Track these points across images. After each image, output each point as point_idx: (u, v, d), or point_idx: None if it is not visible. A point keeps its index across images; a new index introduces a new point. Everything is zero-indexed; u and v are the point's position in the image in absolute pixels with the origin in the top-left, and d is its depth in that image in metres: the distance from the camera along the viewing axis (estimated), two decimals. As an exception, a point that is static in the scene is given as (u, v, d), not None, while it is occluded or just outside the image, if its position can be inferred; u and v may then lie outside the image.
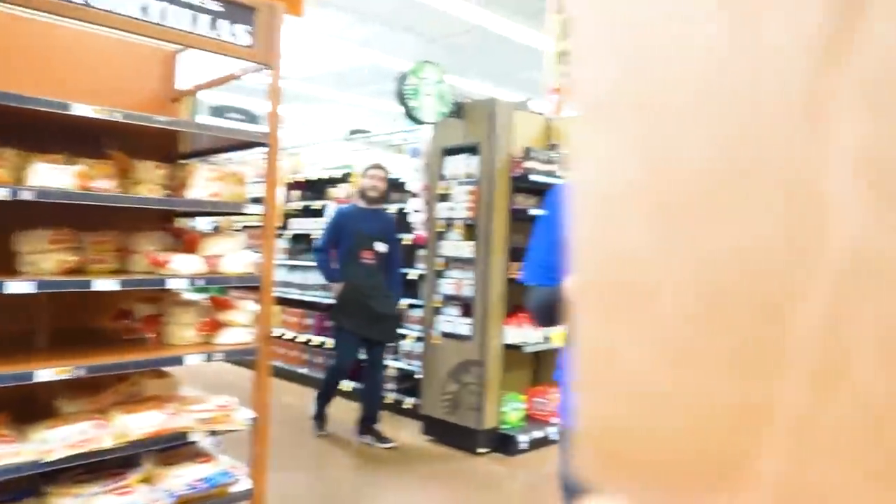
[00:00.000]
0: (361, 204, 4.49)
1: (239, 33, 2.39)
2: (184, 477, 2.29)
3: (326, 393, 4.56)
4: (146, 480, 2.24)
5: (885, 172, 0.17)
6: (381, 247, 4.36)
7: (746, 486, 0.20)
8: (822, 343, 0.18)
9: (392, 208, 5.16)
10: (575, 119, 0.25)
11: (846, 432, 0.18)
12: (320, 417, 4.57)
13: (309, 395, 5.61)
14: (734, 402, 0.20)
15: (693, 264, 0.21)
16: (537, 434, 4.31)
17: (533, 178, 4.19)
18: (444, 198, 4.48)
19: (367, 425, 4.43)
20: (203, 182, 2.40)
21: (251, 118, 7.91)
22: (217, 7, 2.33)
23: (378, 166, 4.53)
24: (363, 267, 4.33)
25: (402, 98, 4.18)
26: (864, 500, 0.17)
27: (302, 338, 6.04)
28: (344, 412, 4.68)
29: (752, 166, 0.19)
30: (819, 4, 0.18)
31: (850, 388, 0.18)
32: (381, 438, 4.37)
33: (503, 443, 4.26)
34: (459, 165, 4.42)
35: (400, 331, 4.81)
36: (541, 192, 4.29)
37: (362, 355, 4.46)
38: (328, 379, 4.56)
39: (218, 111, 7.89)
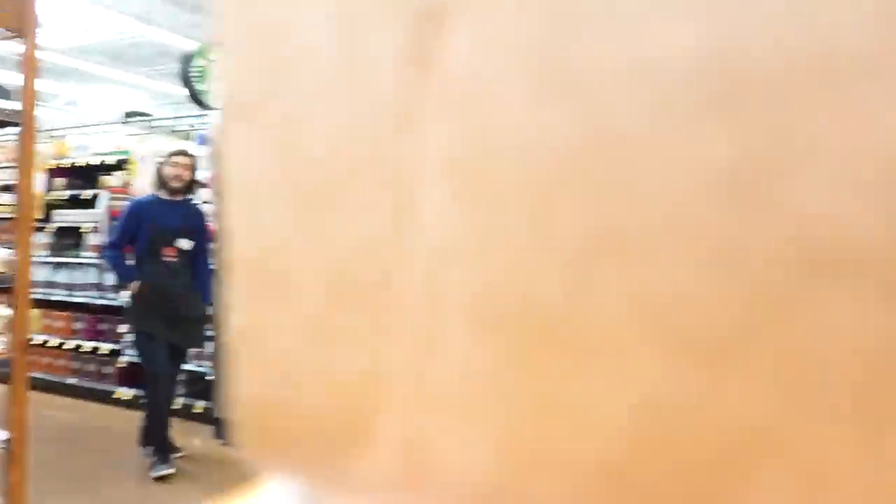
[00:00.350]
0: (163, 195, 3.95)
1: (-20, -8, 2.05)
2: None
3: (156, 415, 3.80)
4: None
5: (463, 172, 0.21)
6: (184, 243, 3.88)
7: (374, 443, 0.23)
8: (421, 314, 0.22)
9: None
10: (221, 116, 0.27)
11: (447, 388, 0.22)
12: (162, 450, 3.76)
13: (80, 407, 5.05)
14: (358, 371, 0.24)
15: (323, 251, 0.24)
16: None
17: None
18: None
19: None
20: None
21: (2, 93, 6.87)
22: (-51, -42, 1.97)
23: (183, 153, 4.06)
24: (164, 265, 3.84)
25: (187, 80, 3.90)
26: (468, 437, 0.21)
27: (70, 344, 5.39)
28: (124, 422, 4.26)
29: (361, 166, 0.23)
30: (404, 23, 0.21)
31: (446, 349, 0.21)
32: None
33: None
34: (252, 155, 4.22)
35: (207, 333, 4.25)
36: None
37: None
38: (149, 398, 3.85)
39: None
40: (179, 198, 3.98)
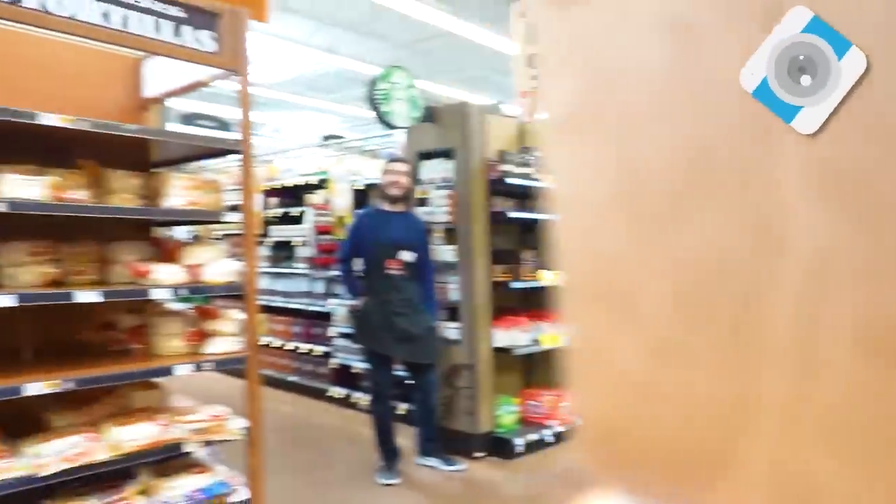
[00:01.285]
0: (384, 206, 3.88)
1: (203, 39, 2.37)
2: (181, 488, 2.26)
3: (381, 430, 3.92)
4: (144, 492, 2.20)
5: (837, 182, 0.19)
6: (407, 255, 3.75)
7: (739, 474, 0.21)
8: (799, 337, 0.20)
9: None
10: (547, 132, 0.27)
11: (828, 420, 0.19)
12: (387, 460, 3.90)
13: (299, 402, 5.57)
14: (721, 394, 0.22)
15: (667, 265, 0.23)
16: (532, 437, 4.25)
17: (509, 181, 4.14)
18: (422, 202, 4.38)
19: (428, 448, 4.04)
20: (179, 191, 2.37)
21: (222, 125, 7.83)
22: (179, 13, 2.30)
23: (399, 160, 4.01)
24: (388, 279, 3.75)
25: (373, 103, 4.17)
26: (846, 483, 0.19)
27: (290, 346, 5.99)
28: (336, 418, 4.60)
29: (709, 179, 0.21)
30: (743, 27, 0.20)
31: (825, 374, 0.19)
32: (446, 461, 4.00)
33: (499, 446, 4.21)
34: (436, 169, 4.34)
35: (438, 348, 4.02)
36: (518, 195, 4.25)
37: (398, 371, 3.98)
38: (373, 413, 3.97)
39: (188, 119, 7.80)
40: (400, 208, 3.88)
